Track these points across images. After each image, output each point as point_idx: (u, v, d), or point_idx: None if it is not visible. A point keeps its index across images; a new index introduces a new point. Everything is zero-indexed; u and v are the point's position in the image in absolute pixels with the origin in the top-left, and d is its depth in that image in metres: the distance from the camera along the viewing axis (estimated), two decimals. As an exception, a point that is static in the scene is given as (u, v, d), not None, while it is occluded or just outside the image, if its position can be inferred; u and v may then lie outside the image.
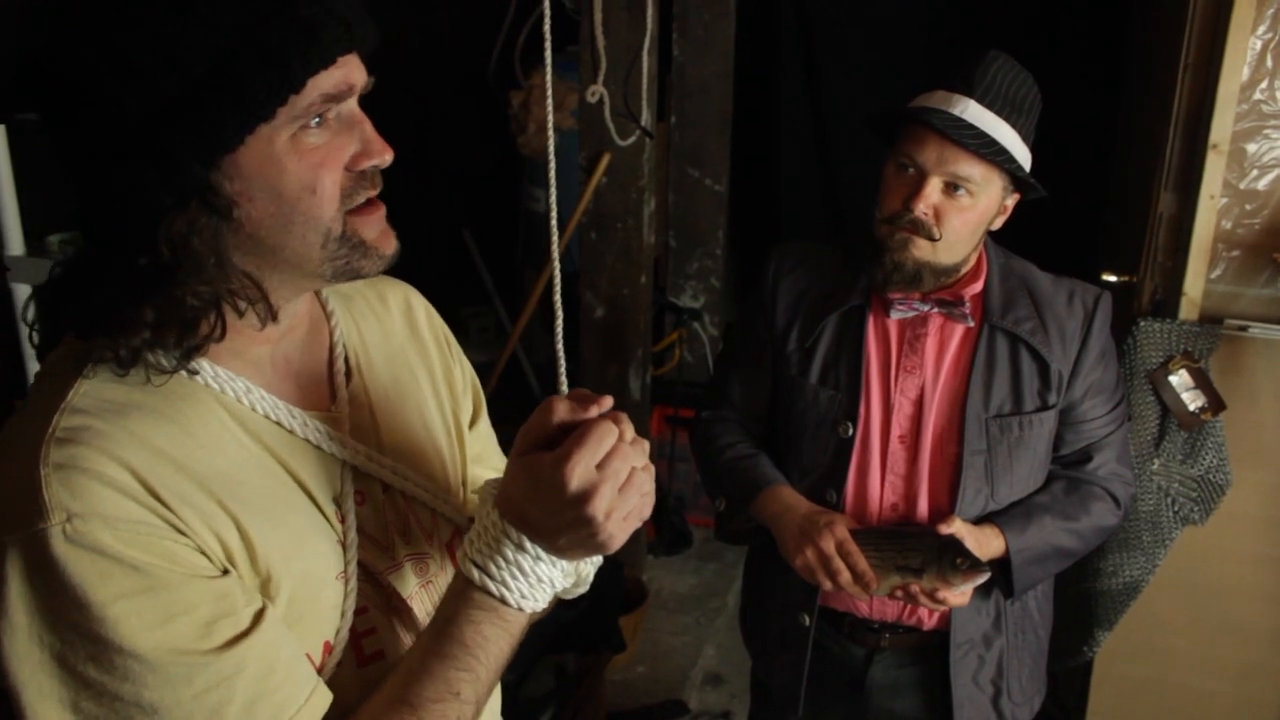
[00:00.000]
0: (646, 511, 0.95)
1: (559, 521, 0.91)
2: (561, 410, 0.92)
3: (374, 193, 0.95)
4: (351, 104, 0.93)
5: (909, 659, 1.87)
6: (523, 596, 0.94)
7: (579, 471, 0.89)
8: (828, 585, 1.69)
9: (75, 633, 0.81)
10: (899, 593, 1.68)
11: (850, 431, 1.77)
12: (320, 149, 0.90)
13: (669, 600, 3.63)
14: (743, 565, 2.14)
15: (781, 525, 1.77)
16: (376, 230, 0.96)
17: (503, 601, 0.94)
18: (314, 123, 0.89)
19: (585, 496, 0.89)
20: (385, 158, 0.94)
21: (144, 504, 0.84)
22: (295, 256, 0.92)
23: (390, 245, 0.98)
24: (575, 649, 2.86)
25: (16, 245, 2.42)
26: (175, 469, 0.87)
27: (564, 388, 1.29)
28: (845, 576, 1.66)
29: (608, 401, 0.93)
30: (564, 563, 0.95)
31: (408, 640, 1.07)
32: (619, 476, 0.91)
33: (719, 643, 3.45)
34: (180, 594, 0.84)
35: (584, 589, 1.02)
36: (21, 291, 2.44)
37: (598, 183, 3.19)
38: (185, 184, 0.85)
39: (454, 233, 4.43)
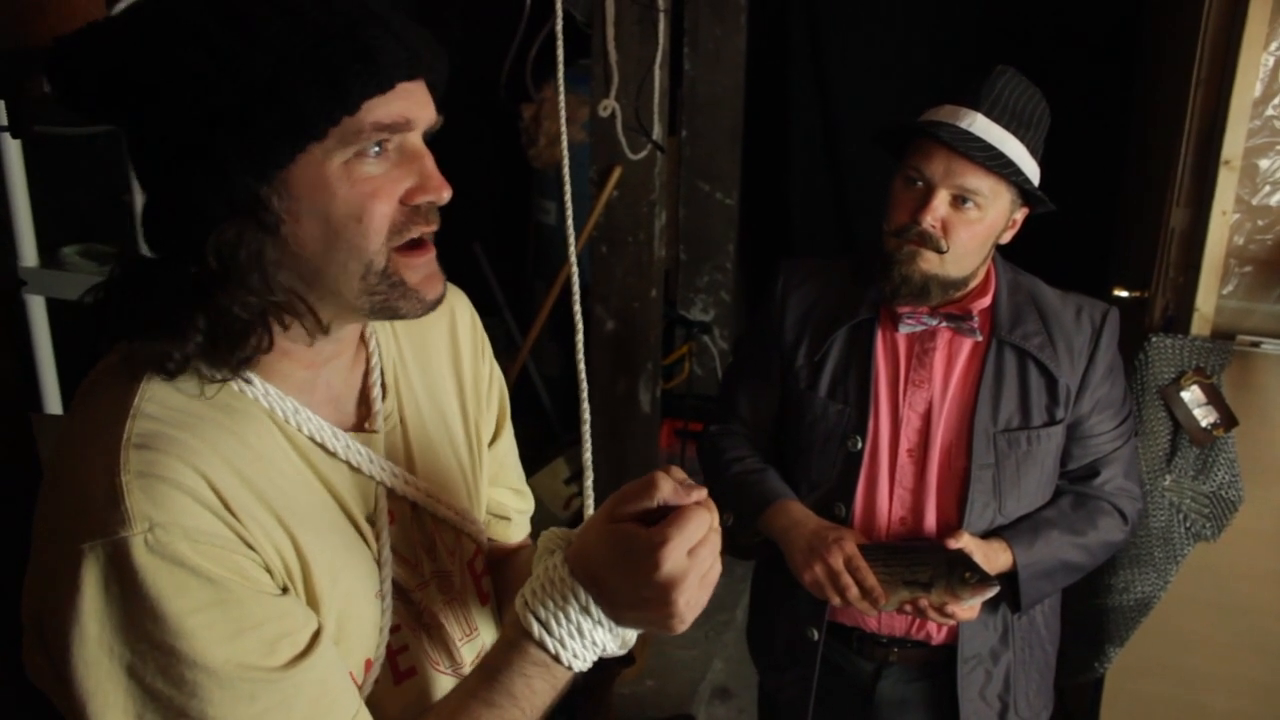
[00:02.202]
0: (709, 595, 0.95)
1: (638, 598, 0.91)
2: (667, 490, 0.91)
3: (428, 230, 0.94)
4: (414, 137, 0.93)
5: (917, 674, 1.86)
6: (574, 656, 0.94)
7: (673, 558, 0.88)
8: (836, 601, 1.70)
9: (147, 644, 0.81)
10: (908, 607, 1.68)
11: (859, 445, 1.77)
12: (374, 179, 0.90)
13: (678, 614, 3.61)
14: (750, 579, 2.14)
15: (789, 540, 1.77)
16: (422, 274, 0.95)
17: (556, 659, 0.94)
18: (373, 152, 0.89)
19: (673, 583, 0.89)
20: (443, 195, 0.93)
21: (219, 516, 0.85)
22: (335, 283, 0.92)
23: (435, 290, 0.97)
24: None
25: (31, 257, 2.43)
26: (242, 483, 0.88)
27: (585, 403, 1.30)
28: (854, 592, 1.66)
29: (704, 491, 0.93)
30: (618, 629, 0.95)
31: (439, 656, 1.08)
32: (704, 566, 0.91)
33: (727, 656, 3.44)
34: (249, 609, 0.85)
35: (624, 651, 1.01)
36: (36, 303, 2.45)
37: (609, 196, 3.19)
38: (236, 196, 0.86)
39: (464, 245, 4.44)
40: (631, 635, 0.99)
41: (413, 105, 0.91)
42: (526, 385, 4.29)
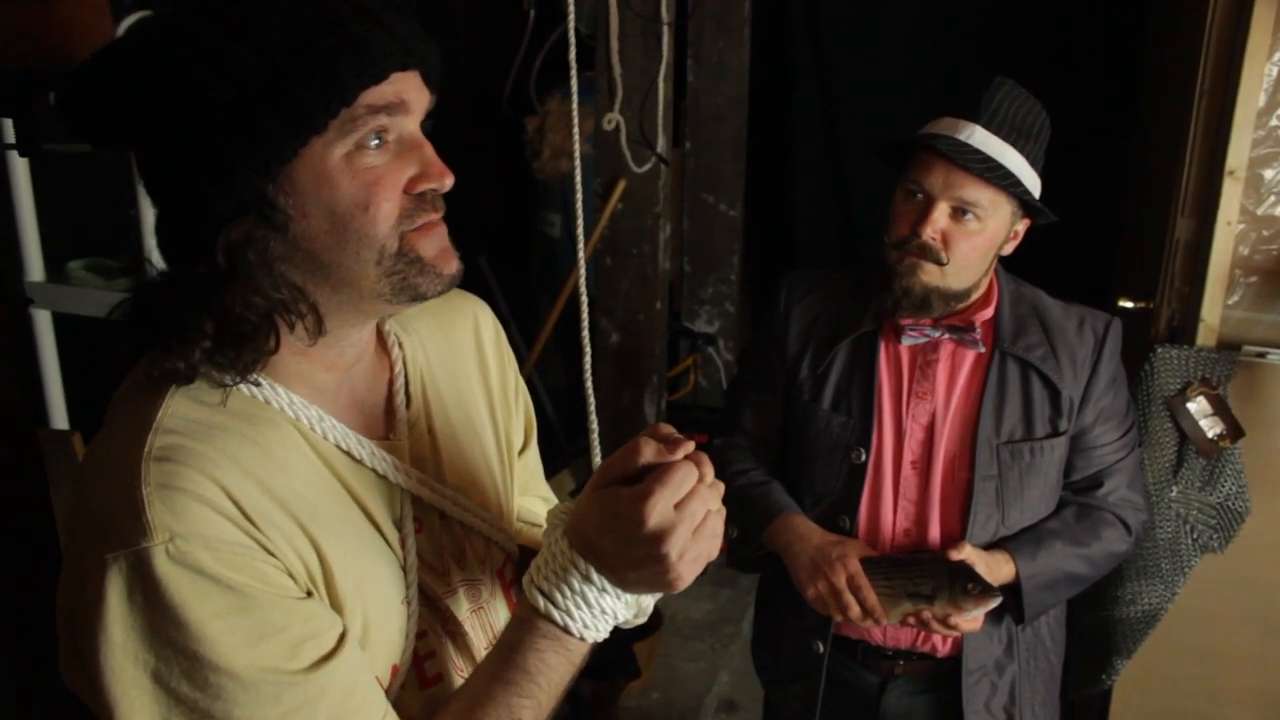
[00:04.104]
0: (714, 554, 0.95)
1: (631, 557, 0.91)
2: (649, 453, 0.92)
3: (435, 216, 0.96)
4: (412, 126, 0.94)
5: (923, 686, 1.86)
6: (585, 626, 0.95)
7: (658, 510, 0.89)
8: (839, 618, 1.70)
9: (171, 650, 0.83)
10: (911, 619, 1.68)
11: (863, 457, 1.77)
12: (376, 169, 0.91)
13: (684, 626, 3.61)
14: (755, 592, 2.14)
15: (793, 555, 1.77)
16: (436, 248, 0.96)
17: (566, 631, 0.95)
18: (373, 144, 0.91)
19: (661, 536, 0.89)
20: (445, 181, 0.95)
21: (238, 525, 0.86)
22: (350, 274, 0.93)
23: (451, 264, 0.98)
24: (590, 675, 2.85)
25: (37, 272, 2.44)
26: (262, 491, 0.89)
27: (593, 420, 1.30)
28: (855, 611, 1.67)
29: (691, 444, 0.93)
30: (627, 595, 0.96)
31: (464, 663, 1.09)
32: (695, 518, 0.91)
33: (734, 669, 3.44)
34: (272, 614, 0.86)
35: (643, 619, 1.02)
36: (42, 318, 2.46)
37: (613, 209, 3.20)
38: (242, 195, 0.87)
39: (469, 258, 4.45)
40: (648, 602, 1.00)
41: (405, 88, 0.92)
42: (531, 397, 4.28)
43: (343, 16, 0.88)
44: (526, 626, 0.96)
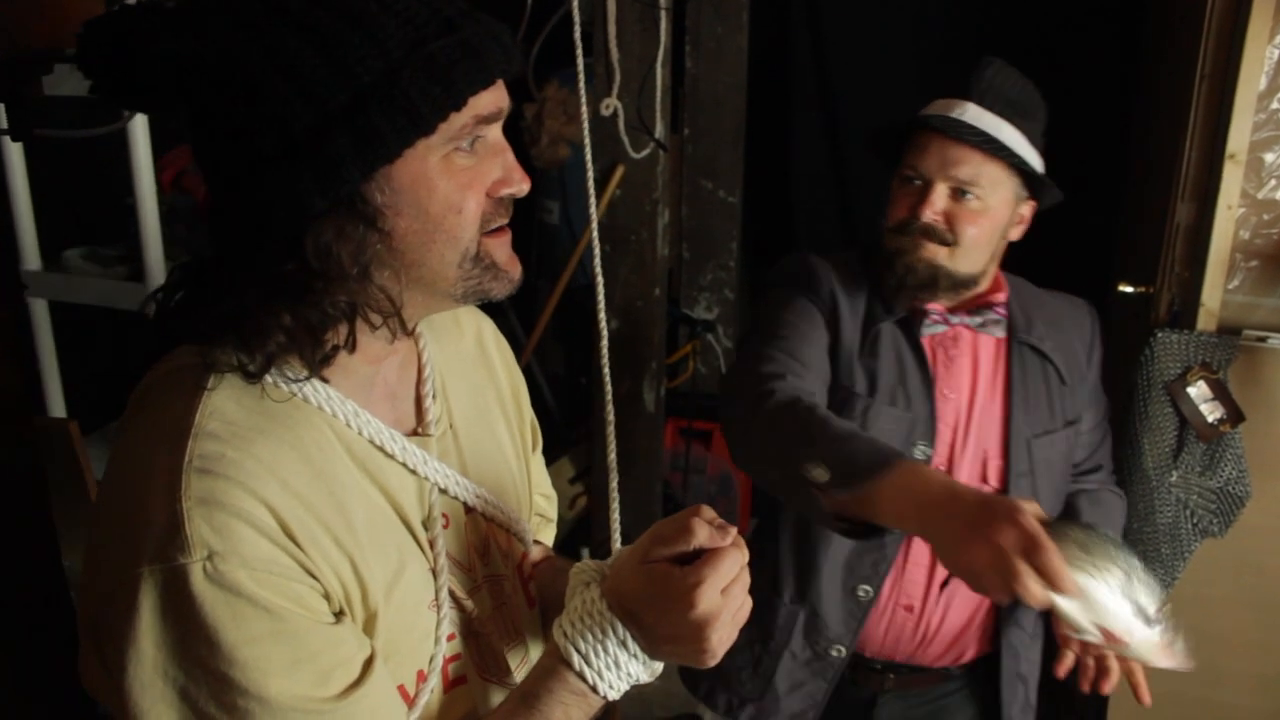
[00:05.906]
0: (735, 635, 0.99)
1: (674, 633, 0.94)
2: (702, 536, 0.95)
3: (506, 220, 0.97)
4: (497, 131, 0.95)
5: (916, 700, 1.81)
6: (610, 687, 0.97)
7: (709, 596, 0.92)
8: (1012, 592, 1.18)
9: (202, 670, 0.82)
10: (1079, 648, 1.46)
11: (929, 452, 1.65)
12: (468, 170, 0.92)
13: (684, 613, 3.61)
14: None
15: (938, 509, 1.26)
16: (506, 253, 0.98)
17: (593, 689, 0.97)
18: (465, 145, 0.91)
19: (708, 621, 0.93)
20: (523, 187, 0.96)
21: (279, 544, 0.85)
22: (432, 274, 0.94)
23: (517, 269, 1.00)
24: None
25: (33, 260, 2.44)
26: (301, 505, 0.88)
27: (609, 410, 1.31)
28: (1056, 563, 1.17)
29: (735, 530, 0.97)
30: (650, 661, 0.99)
31: (485, 664, 1.10)
32: (735, 604, 0.95)
33: (734, 656, 3.44)
34: (306, 640, 0.86)
35: (652, 679, 1.04)
36: (39, 306, 2.45)
37: (611, 195, 3.19)
38: (339, 192, 0.86)
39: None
40: (659, 665, 1.02)
41: (502, 95, 0.93)
42: (530, 384, 4.28)
43: (449, 16, 0.88)
44: (556, 679, 0.98)
